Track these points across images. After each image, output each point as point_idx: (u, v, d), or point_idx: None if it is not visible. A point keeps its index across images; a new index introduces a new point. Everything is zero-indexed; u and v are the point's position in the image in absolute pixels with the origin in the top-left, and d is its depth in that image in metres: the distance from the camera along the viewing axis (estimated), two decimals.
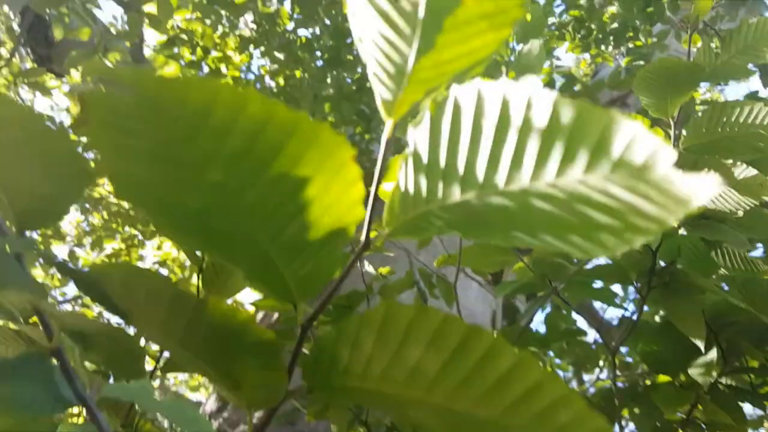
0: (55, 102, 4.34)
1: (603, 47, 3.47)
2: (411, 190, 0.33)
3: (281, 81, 3.63)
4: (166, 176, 0.28)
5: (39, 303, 0.34)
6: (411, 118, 0.33)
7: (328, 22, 3.36)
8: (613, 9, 3.62)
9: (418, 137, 0.32)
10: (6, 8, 4.14)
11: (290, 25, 3.49)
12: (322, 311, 0.37)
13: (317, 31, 3.43)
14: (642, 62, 3.28)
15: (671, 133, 1.09)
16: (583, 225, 0.28)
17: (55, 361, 0.40)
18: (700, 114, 1.06)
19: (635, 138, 0.26)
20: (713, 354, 1.15)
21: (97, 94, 0.25)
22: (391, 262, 2.04)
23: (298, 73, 3.50)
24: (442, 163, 0.31)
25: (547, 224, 0.29)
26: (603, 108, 0.26)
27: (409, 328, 0.31)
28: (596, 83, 3.24)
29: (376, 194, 0.36)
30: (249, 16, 3.78)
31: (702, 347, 1.10)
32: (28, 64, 4.68)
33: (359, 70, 3.37)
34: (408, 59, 0.29)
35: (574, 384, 2.19)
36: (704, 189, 0.25)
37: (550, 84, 3.61)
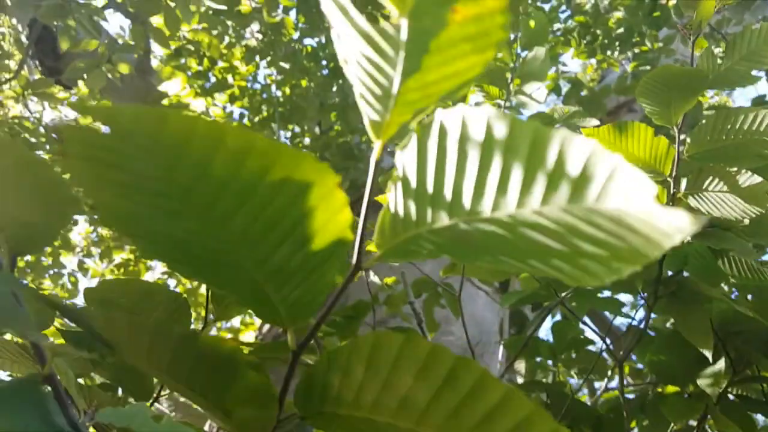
0: (65, 114, 4.37)
1: (609, 52, 3.46)
2: (401, 212, 0.33)
3: (287, 90, 3.64)
4: (149, 207, 0.28)
5: (30, 335, 0.34)
6: (399, 140, 0.33)
7: None
8: (618, 14, 3.61)
9: (405, 160, 0.32)
10: (14, 20, 4.18)
11: (296, 35, 3.50)
12: (313, 337, 0.36)
13: (323, 40, 3.44)
14: (648, 67, 3.26)
15: (676, 140, 1.08)
16: (570, 253, 0.27)
17: (48, 388, 0.40)
18: (704, 121, 1.05)
19: (616, 171, 0.25)
20: (722, 364, 1.13)
21: (75, 128, 0.24)
22: (397, 272, 2.04)
23: (304, 83, 3.51)
24: (430, 187, 0.31)
25: (535, 251, 0.28)
26: (585, 138, 0.26)
27: (398, 357, 0.31)
28: (602, 89, 3.23)
29: (366, 217, 0.35)
30: (255, 26, 3.79)
31: (710, 357, 1.09)
32: (37, 76, 4.71)
33: None
34: (393, 81, 0.29)
35: (586, 392, 2.18)
36: (684, 225, 0.24)
37: (556, 90, 3.60)
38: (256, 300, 0.33)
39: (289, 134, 3.69)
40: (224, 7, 3.12)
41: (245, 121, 3.83)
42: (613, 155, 0.25)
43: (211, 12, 3.42)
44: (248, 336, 3.95)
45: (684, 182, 1.09)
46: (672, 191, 1.08)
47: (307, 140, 3.67)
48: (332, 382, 0.34)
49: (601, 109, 3.37)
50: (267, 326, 2.78)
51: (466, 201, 0.30)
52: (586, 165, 0.25)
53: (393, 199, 0.33)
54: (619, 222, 0.25)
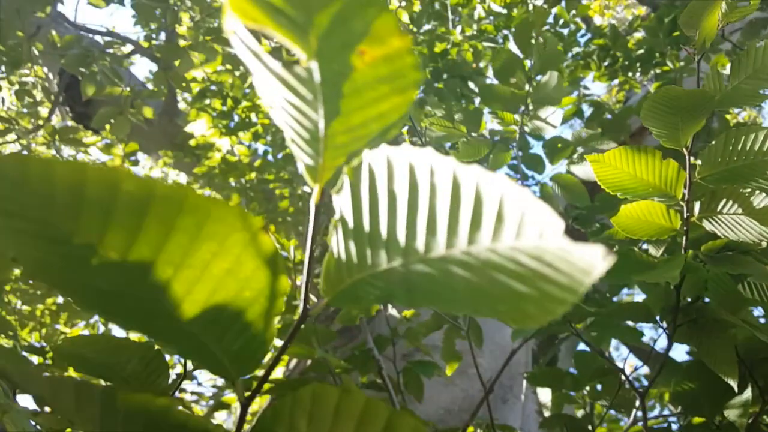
0: (96, 158, 4.48)
1: (630, 74, 3.42)
2: (343, 257, 0.32)
3: None
4: (61, 257, 0.27)
5: None
6: (334, 184, 0.32)
7: None
8: (638, 35, 3.58)
9: (342, 203, 0.31)
10: (45, 69, 4.33)
11: None
12: (263, 386, 0.35)
13: None
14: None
15: (686, 163, 1.05)
16: (504, 294, 0.26)
17: None
18: (714, 142, 1.02)
19: (527, 208, 0.24)
20: (749, 393, 1.08)
21: None
22: None
23: None
24: (367, 229, 0.30)
25: (472, 292, 0.27)
26: (498, 176, 0.25)
27: (337, 411, 0.30)
28: (624, 110, 3.19)
29: (310, 262, 0.34)
30: None
31: (735, 386, 1.04)
32: (69, 122, 4.86)
33: None
34: (318, 125, 0.28)
35: (626, 421, 2.10)
36: (597, 261, 0.23)
37: (578, 113, 3.57)
38: (198, 353, 0.32)
39: None
40: None
41: (269, 157, 3.87)
42: (524, 192, 0.24)
43: (233, 53, 3.49)
44: (278, 372, 3.94)
45: (697, 205, 1.06)
46: (686, 215, 1.05)
47: None
48: None
49: (625, 131, 3.32)
50: (294, 362, 2.77)
51: (401, 241, 0.29)
52: (500, 204, 0.24)
53: (335, 243, 0.32)
54: (540, 259, 0.24)
